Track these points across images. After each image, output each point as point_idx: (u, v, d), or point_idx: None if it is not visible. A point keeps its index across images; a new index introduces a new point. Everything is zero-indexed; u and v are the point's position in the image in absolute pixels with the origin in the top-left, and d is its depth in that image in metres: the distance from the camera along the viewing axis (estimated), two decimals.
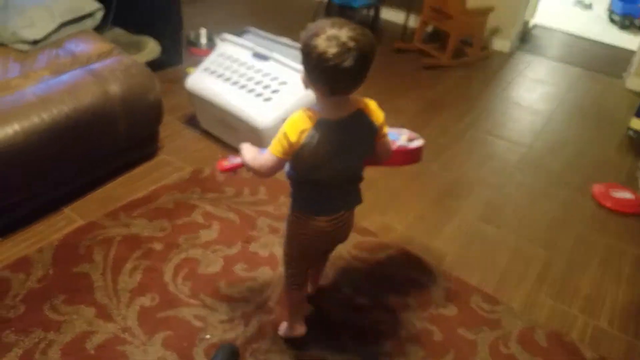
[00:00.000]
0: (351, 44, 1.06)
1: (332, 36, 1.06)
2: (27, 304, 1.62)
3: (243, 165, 1.34)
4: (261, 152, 1.29)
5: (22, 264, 1.75)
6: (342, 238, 1.45)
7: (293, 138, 1.17)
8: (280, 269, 1.82)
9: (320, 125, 1.18)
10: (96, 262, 1.79)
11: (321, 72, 1.10)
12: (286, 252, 1.46)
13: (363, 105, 1.24)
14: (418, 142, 1.57)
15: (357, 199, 1.39)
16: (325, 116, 1.19)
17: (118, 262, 1.80)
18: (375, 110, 1.26)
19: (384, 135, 1.31)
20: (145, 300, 1.67)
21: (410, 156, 1.58)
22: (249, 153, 1.31)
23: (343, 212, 1.35)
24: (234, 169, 1.41)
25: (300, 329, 1.59)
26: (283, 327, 1.60)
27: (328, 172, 1.26)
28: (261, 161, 1.26)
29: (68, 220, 1.97)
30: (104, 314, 1.61)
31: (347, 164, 1.28)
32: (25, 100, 1.86)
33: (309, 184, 1.30)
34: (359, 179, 1.37)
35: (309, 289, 1.68)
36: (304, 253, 1.43)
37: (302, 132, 1.18)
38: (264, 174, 1.27)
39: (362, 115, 1.24)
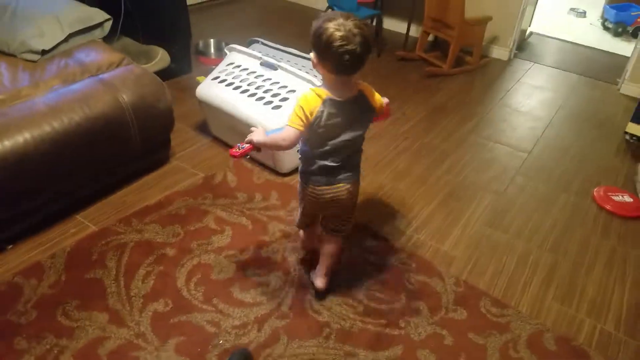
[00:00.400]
0: (355, 30, 1.30)
1: (340, 24, 1.30)
2: (39, 310, 1.63)
3: (253, 148, 1.51)
4: (268, 133, 1.50)
5: (35, 270, 1.76)
6: (343, 207, 1.63)
7: (308, 111, 1.40)
8: (292, 274, 1.85)
9: (327, 102, 1.41)
10: (109, 268, 1.80)
11: (330, 52, 1.32)
12: (299, 206, 1.72)
13: (363, 87, 1.49)
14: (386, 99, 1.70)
15: (356, 175, 1.60)
16: (332, 96, 1.42)
17: (131, 267, 1.81)
18: (373, 94, 1.52)
19: (382, 107, 1.57)
20: (159, 306, 1.68)
21: (388, 109, 1.71)
22: (262, 135, 1.50)
23: (343, 185, 1.56)
24: (245, 154, 1.54)
25: (319, 283, 1.75)
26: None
27: (336, 144, 1.47)
28: (283, 135, 1.44)
29: (81, 226, 1.99)
30: (117, 320, 1.62)
31: (351, 136, 1.49)
32: (35, 109, 1.87)
33: (318, 158, 1.51)
34: (360, 150, 1.59)
35: (317, 282, 1.78)
36: (307, 210, 1.69)
37: (315, 106, 1.41)
38: (287, 146, 1.46)
39: (362, 97, 1.49)
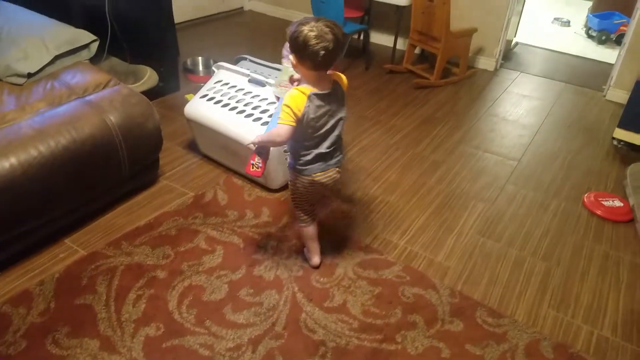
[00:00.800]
0: (327, 29, 1.50)
1: (313, 25, 1.50)
2: (29, 339, 1.59)
3: (256, 154, 1.74)
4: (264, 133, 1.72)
5: (23, 298, 1.73)
6: (334, 187, 1.93)
7: (297, 109, 1.58)
8: (286, 292, 1.83)
9: (312, 97, 1.59)
10: (99, 293, 1.77)
11: (307, 51, 1.51)
12: (293, 199, 1.88)
13: (335, 77, 1.68)
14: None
15: (341, 159, 1.80)
16: (315, 90, 1.60)
17: (121, 292, 1.78)
18: (342, 79, 1.71)
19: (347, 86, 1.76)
20: (150, 330, 1.65)
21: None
22: (266, 134, 1.71)
23: (334, 169, 1.77)
24: (260, 168, 1.75)
25: (315, 260, 1.95)
26: (306, 250, 2.01)
27: (327, 130, 1.67)
28: (277, 131, 1.62)
29: (69, 251, 1.96)
30: (109, 346, 1.58)
31: (337, 121, 1.69)
32: (22, 133, 1.85)
33: (313, 148, 1.69)
34: (341, 137, 1.77)
35: (314, 260, 1.96)
36: (308, 202, 1.86)
37: (301, 103, 1.58)
38: (281, 142, 1.65)
39: (337, 84, 1.68)
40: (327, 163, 1.73)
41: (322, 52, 1.50)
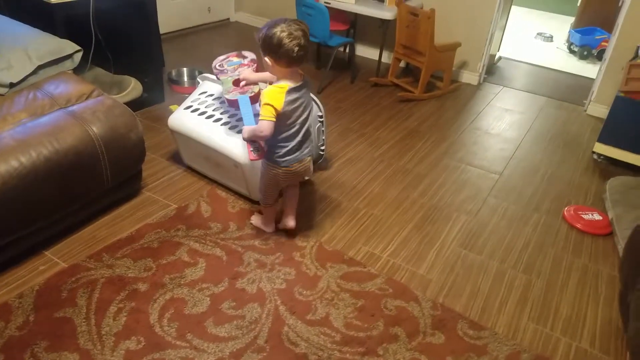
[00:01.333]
0: (295, 26, 1.69)
1: (283, 27, 1.69)
2: (6, 353, 1.56)
3: (250, 143, 1.87)
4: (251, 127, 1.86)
5: (2, 311, 1.70)
6: (306, 176, 2.05)
7: (278, 105, 1.74)
8: (268, 305, 1.83)
9: (290, 91, 1.76)
10: (79, 306, 1.75)
11: (283, 50, 1.69)
12: (261, 188, 2.05)
13: (303, 73, 1.86)
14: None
15: (312, 148, 1.99)
16: (291, 85, 1.77)
17: (102, 304, 1.76)
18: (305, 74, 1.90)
19: None
20: (131, 344, 1.63)
21: None
22: (250, 130, 1.84)
23: (308, 158, 1.97)
24: (262, 150, 1.89)
25: (292, 222, 2.15)
26: (257, 221, 2.21)
27: (302, 122, 1.85)
28: (262, 127, 1.76)
29: (50, 263, 1.93)
30: None
31: (309, 112, 1.88)
32: (2, 144, 1.83)
33: (291, 139, 1.85)
34: (312, 127, 1.96)
35: (290, 223, 2.16)
36: (275, 187, 2.03)
37: (280, 98, 1.74)
38: (264, 136, 1.79)
39: (307, 79, 1.86)
40: (302, 153, 1.91)
41: (296, 48, 1.69)
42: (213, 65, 2.29)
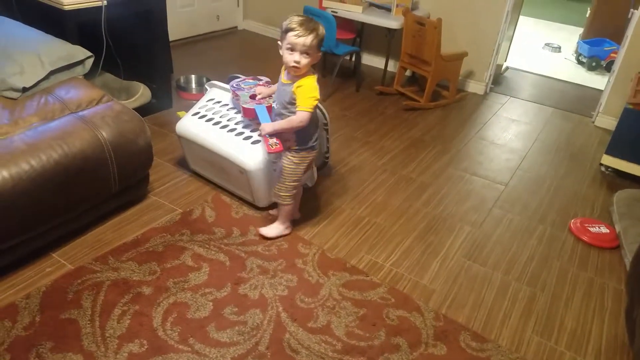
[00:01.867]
0: (304, 18, 1.85)
1: (301, 20, 1.85)
2: (13, 352, 1.58)
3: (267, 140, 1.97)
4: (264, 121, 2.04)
5: (8, 311, 1.72)
6: (309, 183, 2.35)
7: (319, 94, 1.90)
8: (270, 312, 1.83)
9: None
10: (84, 308, 1.77)
11: (319, 39, 1.87)
12: (292, 184, 2.09)
13: None
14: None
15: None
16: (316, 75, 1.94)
17: (106, 307, 1.78)
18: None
19: None
20: (134, 347, 1.65)
21: None
22: (269, 127, 1.97)
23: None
24: (279, 144, 1.98)
25: (296, 214, 2.31)
26: (275, 231, 2.22)
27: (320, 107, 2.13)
28: (303, 118, 1.88)
29: (56, 265, 1.96)
30: None
31: None
32: (13, 147, 1.87)
33: (316, 127, 2.01)
34: None
35: (297, 214, 2.33)
36: (301, 177, 2.12)
37: (318, 88, 1.90)
38: (302, 126, 1.91)
39: None
40: (321, 141, 2.17)
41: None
42: (230, 84, 2.39)
